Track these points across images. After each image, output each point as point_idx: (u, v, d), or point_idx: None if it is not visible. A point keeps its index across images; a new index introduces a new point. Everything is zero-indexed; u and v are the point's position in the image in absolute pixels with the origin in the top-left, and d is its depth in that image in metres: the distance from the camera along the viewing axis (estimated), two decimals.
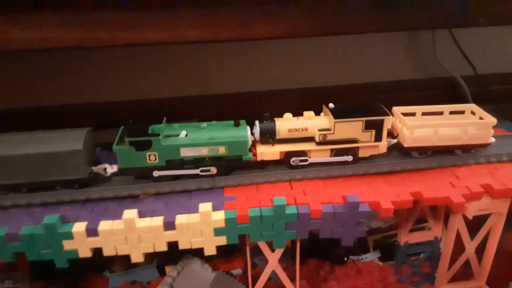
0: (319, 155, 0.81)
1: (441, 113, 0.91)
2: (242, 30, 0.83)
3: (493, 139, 0.84)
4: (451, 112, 0.91)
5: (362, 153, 0.82)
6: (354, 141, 0.80)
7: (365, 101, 0.87)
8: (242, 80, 1.38)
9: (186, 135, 0.77)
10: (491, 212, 0.80)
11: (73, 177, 0.75)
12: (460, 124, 0.84)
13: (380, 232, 1.10)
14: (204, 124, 0.79)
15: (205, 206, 0.69)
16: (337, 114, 0.79)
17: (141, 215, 0.70)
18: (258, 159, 0.80)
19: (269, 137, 0.80)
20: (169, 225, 0.69)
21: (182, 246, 0.71)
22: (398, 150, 0.85)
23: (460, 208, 0.74)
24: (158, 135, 0.75)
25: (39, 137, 0.74)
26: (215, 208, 0.71)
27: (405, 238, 1.00)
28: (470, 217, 0.78)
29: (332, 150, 0.81)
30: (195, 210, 0.70)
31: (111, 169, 0.78)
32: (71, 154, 0.72)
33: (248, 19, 0.82)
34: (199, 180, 0.77)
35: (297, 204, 0.73)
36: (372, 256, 1.07)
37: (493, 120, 0.83)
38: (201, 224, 0.69)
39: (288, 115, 0.82)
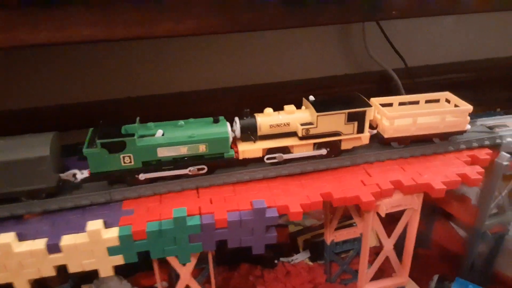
0: (302, 149, 0.78)
1: (417, 102, 0.89)
2: (142, 28, 0.76)
3: (468, 126, 0.83)
4: (427, 101, 0.90)
5: (344, 146, 0.80)
6: (337, 134, 0.78)
7: (345, 93, 0.85)
8: (175, 80, 1.31)
9: (163, 134, 0.71)
10: (405, 208, 0.78)
11: (40, 187, 0.67)
12: (438, 112, 0.83)
13: (310, 231, 1.08)
14: (182, 122, 0.74)
15: (94, 224, 0.63)
16: (319, 107, 0.76)
17: (22, 238, 0.62)
18: (240, 157, 0.76)
19: (250, 133, 0.76)
20: (53, 248, 0.61)
21: (72, 269, 0.63)
22: (378, 141, 0.83)
23: (370, 207, 0.72)
24: (133, 135, 0.69)
25: None
26: (109, 225, 0.65)
27: (332, 236, 0.99)
28: (383, 215, 0.76)
29: (315, 144, 0.78)
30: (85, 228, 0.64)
31: (81, 174, 0.71)
32: (36, 161, 0.65)
33: (150, 16, 0.76)
34: (93, 194, 0.70)
35: (202, 213, 0.68)
36: (302, 257, 1.05)
37: (469, 107, 0.82)
38: (91, 244, 0.62)
39: (268, 110, 0.78)
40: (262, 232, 0.69)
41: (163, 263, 0.73)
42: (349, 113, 0.76)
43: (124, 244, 0.64)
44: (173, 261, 0.72)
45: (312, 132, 0.76)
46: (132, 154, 0.69)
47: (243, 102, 1.38)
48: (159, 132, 0.71)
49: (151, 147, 0.70)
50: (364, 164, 0.80)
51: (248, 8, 0.81)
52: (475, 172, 0.77)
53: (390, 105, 0.87)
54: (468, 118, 0.83)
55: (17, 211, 0.68)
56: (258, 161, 0.78)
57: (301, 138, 0.77)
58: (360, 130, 0.78)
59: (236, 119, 0.76)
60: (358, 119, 0.77)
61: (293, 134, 0.77)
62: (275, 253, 1.06)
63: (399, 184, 0.75)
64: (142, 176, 0.71)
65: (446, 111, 0.83)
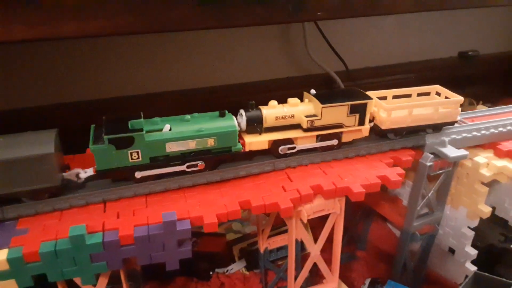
0: (306, 141, 0.79)
1: (409, 95, 0.92)
2: (45, 28, 0.71)
3: (459, 117, 0.87)
4: (418, 94, 0.92)
5: (345, 138, 0.81)
6: (340, 126, 0.79)
7: (346, 88, 0.90)
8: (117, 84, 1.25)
9: (170, 129, 0.69)
10: (328, 213, 0.76)
11: (44, 186, 0.64)
12: (432, 104, 0.85)
13: (247, 239, 1.05)
14: (188, 116, 0.73)
15: None
16: (323, 99, 0.77)
17: None
18: (247, 149, 0.75)
19: (256, 126, 0.75)
20: None
21: None
22: (375, 133, 0.84)
23: (288, 214, 0.69)
24: (141, 130, 0.66)
25: None
26: None
27: (265, 244, 0.96)
28: (305, 221, 0.74)
29: (318, 136, 0.79)
30: None
31: (85, 173, 0.69)
32: (40, 159, 0.62)
33: (55, 15, 0.70)
34: None
35: (106, 230, 0.63)
36: (237, 266, 1.01)
37: (460, 99, 0.85)
38: None
39: (273, 103, 0.78)
40: (174, 246, 0.65)
41: None
42: (351, 105, 0.78)
43: (15, 268, 0.58)
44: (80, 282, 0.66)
45: (316, 124, 0.77)
46: (140, 149, 0.67)
47: (183, 106, 1.34)
48: (167, 127, 0.70)
49: (160, 142, 0.68)
50: (287, 168, 0.78)
51: (165, 8, 0.77)
52: (395, 174, 0.76)
53: (384, 98, 0.89)
54: (459, 109, 0.86)
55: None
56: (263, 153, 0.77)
57: (306, 130, 0.77)
58: (361, 122, 0.80)
59: (242, 111, 0.75)
60: (359, 111, 0.79)
61: (297, 126, 0.78)
62: (212, 264, 1.02)
63: (319, 189, 0.73)
64: (145, 173, 0.69)
65: (439, 103, 0.86)
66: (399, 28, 1.59)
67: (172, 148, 0.69)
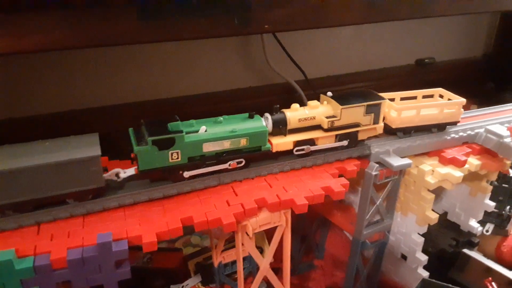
0: (326, 141, 0.83)
1: (415, 97, 0.98)
2: None
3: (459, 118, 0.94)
4: (423, 96, 0.99)
5: (361, 136, 0.86)
6: (357, 125, 0.84)
7: (358, 89, 0.92)
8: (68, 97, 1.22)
9: (205, 130, 0.74)
10: (274, 225, 0.76)
11: (89, 187, 0.67)
12: (438, 105, 0.92)
13: (201, 254, 1.03)
14: (221, 118, 0.77)
15: None
16: (341, 101, 0.82)
17: None
18: (274, 150, 0.79)
19: (281, 128, 0.80)
20: None
21: None
22: (385, 132, 0.90)
23: (231, 229, 0.69)
24: (181, 131, 0.71)
25: (44, 147, 0.66)
26: None
27: (219, 258, 0.94)
28: (251, 235, 0.73)
29: (337, 135, 0.84)
30: None
31: (124, 173, 0.73)
32: (88, 161, 0.65)
33: None
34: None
35: (37, 253, 0.60)
36: (193, 282, 0.99)
37: (463, 100, 0.91)
38: None
39: (295, 106, 0.82)
40: (112, 268, 0.63)
41: None
42: (367, 105, 0.83)
43: None
44: None
45: (336, 124, 0.82)
46: (180, 150, 0.71)
47: (144, 117, 1.32)
48: (203, 128, 0.74)
49: (198, 143, 0.72)
50: (233, 182, 0.77)
51: (103, 22, 0.76)
52: (339, 184, 0.77)
53: (393, 100, 0.94)
54: (462, 110, 0.93)
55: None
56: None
57: (326, 130, 0.82)
58: (376, 121, 0.86)
59: (267, 114, 0.80)
60: (374, 111, 0.84)
61: (317, 127, 0.82)
62: (167, 281, 1.00)
63: (264, 202, 0.73)
64: (186, 174, 0.74)
65: (444, 104, 0.92)
66: (358, 37, 1.62)
67: (208, 148, 0.73)
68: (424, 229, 0.93)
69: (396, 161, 0.83)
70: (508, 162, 0.95)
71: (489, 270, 1.00)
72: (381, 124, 0.87)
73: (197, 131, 0.73)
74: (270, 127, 0.79)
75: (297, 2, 0.90)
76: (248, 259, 0.94)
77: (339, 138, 0.84)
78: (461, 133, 0.92)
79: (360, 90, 0.89)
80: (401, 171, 0.88)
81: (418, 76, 1.68)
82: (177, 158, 0.71)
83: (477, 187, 1.00)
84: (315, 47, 1.57)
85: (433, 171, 0.88)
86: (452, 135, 0.91)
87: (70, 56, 1.17)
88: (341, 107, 0.81)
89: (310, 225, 1.09)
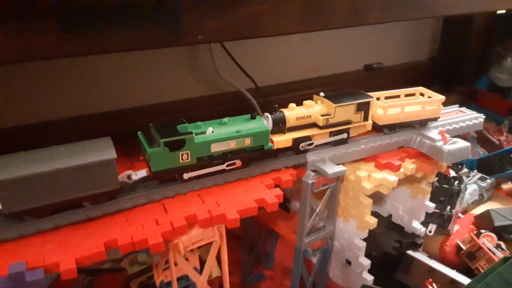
0: (321, 137, 0.88)
1: (398, 96, 1.03)
2: None
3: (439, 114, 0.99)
4: (406, 95, 1.03)
5: (352, 133, 0.91)
6: (349, 122, 0.89)
7: (347, 90, 0.96)
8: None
9: (212, 132, 0.77)
10: (208, 242, 0.74)
11: (105, 190, 0.69)
12: (420, 102, 0.97)
13: (145, 273, 1.00)
14: (225, 120, 0.80)
15: None
16: (334, 100, 0.87)
17: None
18: (275, 147, 0.83)
19: (280, 126, 0.83)
20: None
21: None
22: (373, 128, 0.94)
23: (159, 249, 0.66)
24: (190, 133, 0.74)
25: (59, 152, 0.66)
26: None
27: (161, 276, 0.91)
28: (183, 254, 0.71)
29: (331, 132, 0.88)
30: None
31: (136, 175, 0.75)
32: (105, 164, 0.67)
33: None
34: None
35: None
36: None
37: (442, 97, 0.97)
38: None
39: (292, 105, 0.87)
40: None
41: None
42: (358, 104, 0.88)
43: None
44: None
45: (330, 121, 0.86)
46: (189, 150, 0.74)
47: (91, 130, 1.28)
48: (210, 130, 0.77)
49: (206, 143, 0.75)
50: (164, 199, 0.75)
51: (18, 36, 0.71)
52: (273, 196, 0.76)
53: (378, 99, 0.99)
54: (441, 107, 0.98)
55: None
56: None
57: (322, 127, 0.86)
58: (365, 118, 0.90)
59: (267, 114, 0.84)
60: (364, 109, 0.89)
61: (313, 125, 0.87)
62: None
63: (195, 219, 0.71)
64: (190, 174, 0.75)
65: (425, 101, 0.98)
66: (307, 44, 1.63)
67: (216, 148, 0.76)
68: (365, 234, 0.93)
69: (331, 169, 0.83)
70: (444, 165, 0.97)
71: (432, 270, 1.02)
72: (370, 121, 0.92)
73: (204, 133, 0.76)
74: (270, 125, 0.82)
75: (232, 12, 0.89)
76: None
77: (333, 135, 0.89)
78: (395, 138, 0.93)
79: (349, 90, 0.94)
80: (338, 178, 0.88)
81: (367, 80, 1.71)
82: (187, 158, 0.74)
83: (417, 189, 1.02)
84: (265, 55, 1.56)
85: (369, 176, 0.89)
86: (387, 141, 0.93)
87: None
88: (334, 105, 0.86)
89: (258, 235, 1.07)
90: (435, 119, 0.99)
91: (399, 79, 1.75)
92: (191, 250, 0.80)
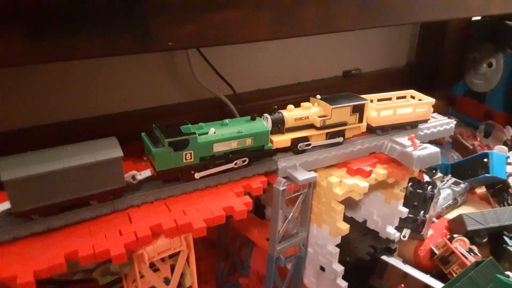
0: (318, 139, 0.91)
1: (390, 99, 1.08)
2: None
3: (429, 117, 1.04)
4: (397, 98, 1.09)
5: (348, 134, 0.94)
6: (344, 123, 0.92)
7: (342, 93, 0.98)
8: None
9: (214, 132, 0.79)
10: (175, 251, 0.73)
11: (112, 188, 0.71)
12: (411, 105, 1.02)
13: (116, 284, 0.98)
14: (226, 121, 0.83)
15: None
16: (330, 102, 0.89)
17: None
18: (274, 147, 0.86)
19: (279, 127, 0.86)
20: None
21: None
22: (367, 130, 0.97)
23: (121, 260, 0.65)
24: (194, 133, 0.76)
25: (67, 151, 0.67)
26: None
27: (132, 287, 0.90)
28: (147, 264, 0.69)
29: (327, 133, 0.91)
30: None
31: (140, 175, 0.78)
32: (113, 162, 0.69)
33: None
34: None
35: None
36: None
37: (432, 100, 1.03)
38: None
39: (291, 107, 0.89)
40: None
41: None
42: (354, 106, 0.91)
43: None
44: None
45: (327, 122, 0.89)
46: (193, 150, 0.75)
47: (66, 137, 1.26)
48: (212, 130, 0.79)
49: (209, 143, 0.77)
50: (130, 209, 0.73)
51: None
52: (242, 203, 0.75)
53: (371, 101, 1.01)
54: (431, 109, 1.03)
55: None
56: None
57: (319, 128, 0.89)
58: (360, 120, 0.94)
59: (267, 115, 0.87)
60: (359, 111, 0.92)
61: (310, 126, 0.89)
62: None
63: (160, 228, 0.69)
64: (197, 175, 0.78)
65: (416, 104, 1.02)
66: (286, 50, 1.64)
67: (218, 148, 0.78)
68: (338, 240, 0.93)
69: (302, 175, 0.83)
70: (416, 170, 0.98)
71: (406, 275, 1.02)
72: (365, 123, 0.95)
73: (206, 133, 0.78)
74: (269, 126, 0.85)
75: (202, 18, 0.88)
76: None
77: (330, 136, 0.91)
78: (367, 145, 0.94)
79: (344, 93, 0.97)
80: (310, 184, 0.88)
81: (346, 87, 1.72)
82: (190, 158, 0.76)
83: (390, 194, 1.02)
84: (243, 61, 1.56)
85: (341, 182, 0.89)
86: (359, 147, 0.93)
87: None
88: (331, 107, 0.88)
89: (233, 243, 1.06)
90: (426, 121, 1.04)
91: (377, 85, 1.76)
92: (163, 260, 0.79)
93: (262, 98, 1.59)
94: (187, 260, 0.76)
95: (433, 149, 0.90)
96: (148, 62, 1.40)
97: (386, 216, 1.05)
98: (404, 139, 0.93)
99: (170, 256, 0.79)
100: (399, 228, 1.07)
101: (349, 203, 1.08)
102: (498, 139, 1.62)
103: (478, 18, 1.80)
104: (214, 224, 0.72)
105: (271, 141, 0.85)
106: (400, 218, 1.05)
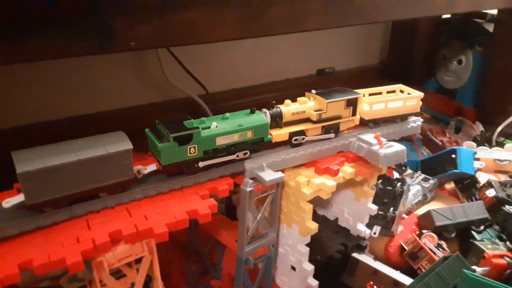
0: (314, 132, 0.93)
1: (380, 93, 1.09)
2: None
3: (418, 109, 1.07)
4: (387, 92, 1.10)
5: (342, 127, 0.97)
6: (339, 117, 0.94)
7: (336, 87, 1.00)
8: None
9: (216, 126, 0.81)
10: (137, 257, 0.71)
11: (121, 180, 0.72)
12: (402, 98, 1.04)
13: None
14: (227, 115, 0.84)
15: None
16: (326, 96, 0.92)
17: None
18: (274, 140, 0.88)
19: (278, 121, 0.88)
20: None
21: None
22: (360, 123, 0.99)
23: (78, 268, 0.62)
24: (197, 128, 0.78)
25: (78, 145, 0.69)
26: None
27: None
28: (107, 271, 0.67)
29: (323, 127, 0.93)
30: None
31: (145, 170, 0.78)
32: (123, 155, 0.70)
33: None
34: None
35: None
36: None
37: (421, 94, 1.06)
38: None
39: (288, 101, 0.92)
40: None
41: None
42: (348, 100, 0.94)
43: None
44: None
45: (323, 116, 0.91)
46: (196, 144, 0.78)
47: (36, 140, 1.22)
48: (214, 124, 0.81)
49: (212, 137, 0.79)
50: (88, 214, 0.71)
51: None
52: (206, 206, 0.73)
53: (363, 95, 1.03)
54: (420, 102, 1.06)
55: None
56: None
57: (315, 122, 0.91)
58: (354, 113, 0.96)
59: (266, 110, 0.89)
60: (353, 104, 0.95)
61: (307, 120, 0.91)
62: None
63: (119, 234, 0.67)
64: (201, 164, 0.80)
65: (406, 98, 1.05)
66: (260, 50, 1.63)
67: (220, 141, 0.80)
68: (308, 239, 0.92)
69: (269, 176, 0.82)
70: (384, 168, 0.98)
71: (376, 272, 1.02)
72: (358, 116, 0.97)
73: (209, 127, 0.80)
74: (268, 119, 0.87)
75: (165, 18, 0.86)
76: None
77: (325, 129, 0.93)
78: (334, 143, 0.94)
79: (338, 88, 0.99)
80: (278, 185, 0.87)
81: (320, 85, 1.71)
82: (194, 152, 0.78)
83: (360, 192, 1.03)
84: (217, 61, 1.55)
85: (308, 182, 0.88)
86: (326, 146, 0.93)
87: None
88: (327, 101, 0.90)
89: (204, 245, 1.05)
90: (414, 114, 1.08)
91: (351, 83, 1.75)
92: (129, 265, 0.77)
93: (236, 98, 1.58)
94: (151, 266, 0.74)
95: (399, 147, 0.91)
96: (116, 62, 1.37)
97: (357, 214, 1.06)
98: (370, 137, 0.93)
99: (138, 261, 0.77)
100: (369, 225, 1.07)
101: (321, 201, 1.08)
102: (468, 135, 1.65)
103: (448, 16, 1.83)
104: (177, 228, 0.70)
105: (270, 134, 0.87)
106: (371, 215, 1.06)
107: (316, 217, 1.16)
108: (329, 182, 0.87)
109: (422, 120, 1.08)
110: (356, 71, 1.84)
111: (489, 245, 1.03)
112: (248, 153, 0.85)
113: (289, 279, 0.99)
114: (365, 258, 1.05)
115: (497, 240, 1.06)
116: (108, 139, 0.71)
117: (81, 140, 0.70)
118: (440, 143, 1.45)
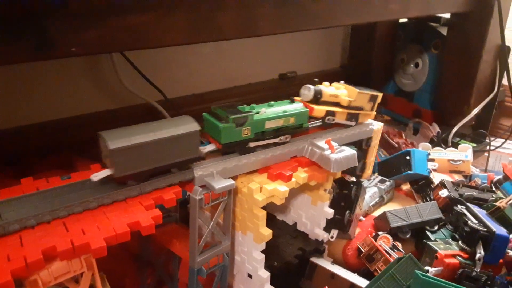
0: (341, 117, 1.00)
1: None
2: None
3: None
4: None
5: (361, 119, 1.05)
6: (362, 108, 1.02)
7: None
8: None
9: (265, 112, 0.88)
10: (76, 274, 0.66)
11: (191, 157, 0.80)
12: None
13: None
14: (272, 103, 0.92)
15: None
16: (356, 87, 1.00)
17: None
18: (314, 114, 0.96)
19: (318, 97, 0.96)
20: None
21: None
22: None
23: None
24: (250, 112, 0.86)
25: (154, 126, 0.75)
26: None
27: None
28: None
29: (348, 113, 1.00)
30: None
31: (205, 149, 0.85)
32: (192, 135, 0.78)
33: None
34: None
35: None
36: None
37: (380, 94, 1.09)
38: None
39: (326, 83, 0.99)
40: None
41: None
42: (371, 95, 1.03)
43: None
44: None
45: (352, 104, 1.00)
46: (250, 126, 0.86)
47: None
48: (263, 110, 0.88)
49: (262, 120, 0.87)
50: (22, 231, 0.66)
51: None
52: (149, 218, 0.70)
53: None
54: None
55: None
56: None
57: (345, 108, 0.99)
58: (372, 109, 1.06)
59: (310, 85, 0.96)
60: (374, 100, 1.05)
61: (336, 104, 0.99)
62: None
63: (54, 251, 0.63)
64: (252, 144, 0.88)
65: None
66: (221, 54, 1.61)
67: (269, 125, 0.88)
68: (262, 246, 0.90)
69: (218, 183, 0.79)
70: (337, 172, 0.98)
71: (334, 276, 1.02)
72: (374, 112, 1.06)
73: (258, 112, 0.87)
74: (312, 95, 0.95)
75: (109, 23, 0.83)
76: None
77: (350, 116, 1.00)
78: (287, 149, 0.92)
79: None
80: (230, 192, 0.85)
81: (282, 89, 1.72)
82: (247, 133, 0.86)
83: (316, 196, 1.02)
84: (175, 66, 1.51)
85: (261, 188, 0.87)
86: (279, 152, 0.91)
87: None
88: (357, 91, 0.99)
89: (159, 255, 1.01)
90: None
91: None
92: (76, 281, 0.73)
93: (197, 103, 1.55)
94: (94, 282, 0.70)
95: (350, 151, 0.90)
96: (69, 68, 1.31)
97: (314, 218, 1.05)
98: (322, 142, 0.92)
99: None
100: (327, 229, 1.07)
101: (280, 207, 1.07)
102: (425, 136, 1.69)
103: (405, 20, 1.87)
104: (118, 242, 0.66)
105: (312, 109, 0.94)
106: (328, 219, 1.05)
107: (275, 222, 1.15)
108: (282, 188, 0.85)
109: (374, 125, 1.09)
110: (317, 75, 1.84)
111: (442, 245, 1.05)
112: (290, 137, 0.93)
113: (246, 287, 0.97)
114: (323, 262, 1.04)
115: (450, 240, 1.08)
116: (179, 122, 0.78)
117: (156, 123, 0.77)
118: (396, 145, 1.47)
